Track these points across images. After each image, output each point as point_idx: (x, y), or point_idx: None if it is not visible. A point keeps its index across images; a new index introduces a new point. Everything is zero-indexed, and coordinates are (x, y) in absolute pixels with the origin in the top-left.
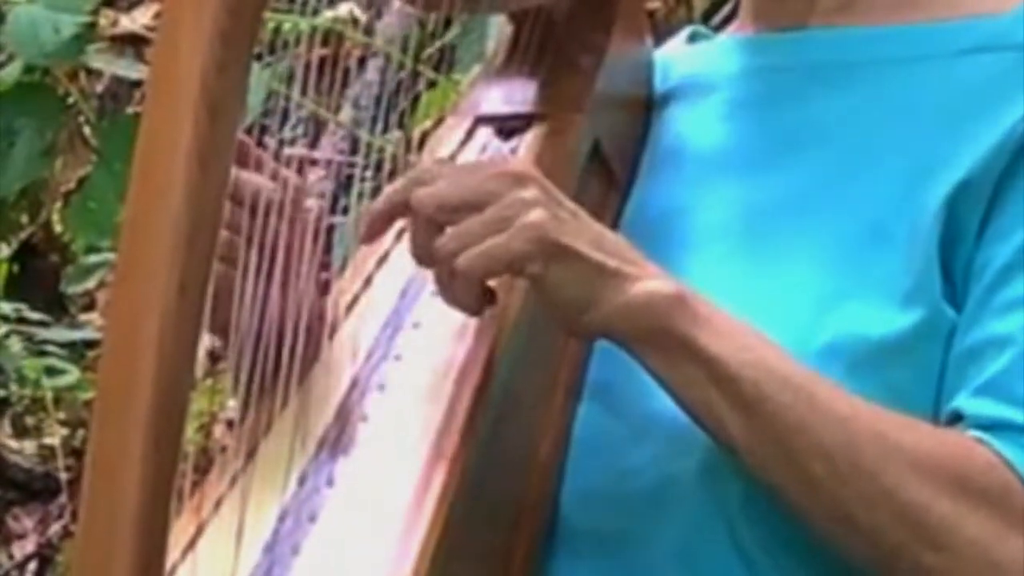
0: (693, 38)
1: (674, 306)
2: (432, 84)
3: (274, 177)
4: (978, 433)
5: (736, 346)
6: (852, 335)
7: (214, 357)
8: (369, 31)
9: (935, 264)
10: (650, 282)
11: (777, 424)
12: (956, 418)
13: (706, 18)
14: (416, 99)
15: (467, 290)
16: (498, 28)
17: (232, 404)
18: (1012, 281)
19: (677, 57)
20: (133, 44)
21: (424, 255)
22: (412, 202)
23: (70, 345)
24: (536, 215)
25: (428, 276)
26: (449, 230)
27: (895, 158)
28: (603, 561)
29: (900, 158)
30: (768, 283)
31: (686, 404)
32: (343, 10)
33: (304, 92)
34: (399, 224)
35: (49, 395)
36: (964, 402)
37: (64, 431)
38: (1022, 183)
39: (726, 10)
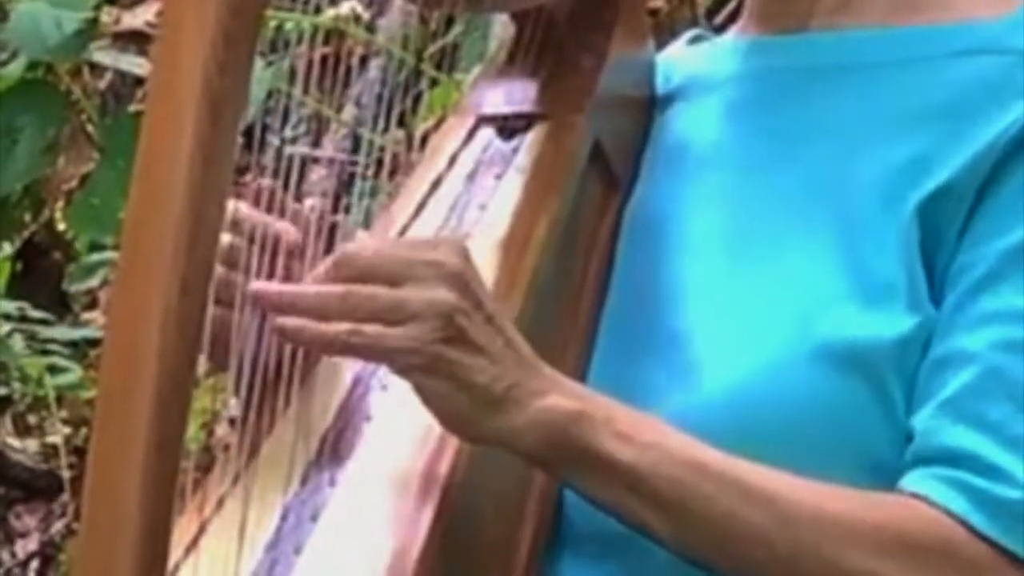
0: (695, 41)
1: (572, 419)
2: (435, 83)
3: (295, 219)
4: (916, 480)
5: (643, 447)
6: (845, 335)
7: None
8: (371, 29)
9: (920, 268)
10: (545, 398)
11: (706, 517)
12: (912, 436)
13: (709, 17)
14: (418, 98)
15: (333, 344)
16: (500, 28)
17: (234, 403)
18: (985, 294)
19: (679, 58)
20: (136, 41)
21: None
22: (338, 255)
23: (73, 344)
24: (434, 323)
25: None
26: (353, 289)
27: (885, 159)
28: (606, 562)
29: (890, 159)
30: (764, 284)
31: (608, 512)
32: (345, 8)
33: (306, 91)
34: (399, 223)
35: (52, 393)
36: (921, 421)
37: (66, 430)
38: (1005, 191)
39: (729, 9)
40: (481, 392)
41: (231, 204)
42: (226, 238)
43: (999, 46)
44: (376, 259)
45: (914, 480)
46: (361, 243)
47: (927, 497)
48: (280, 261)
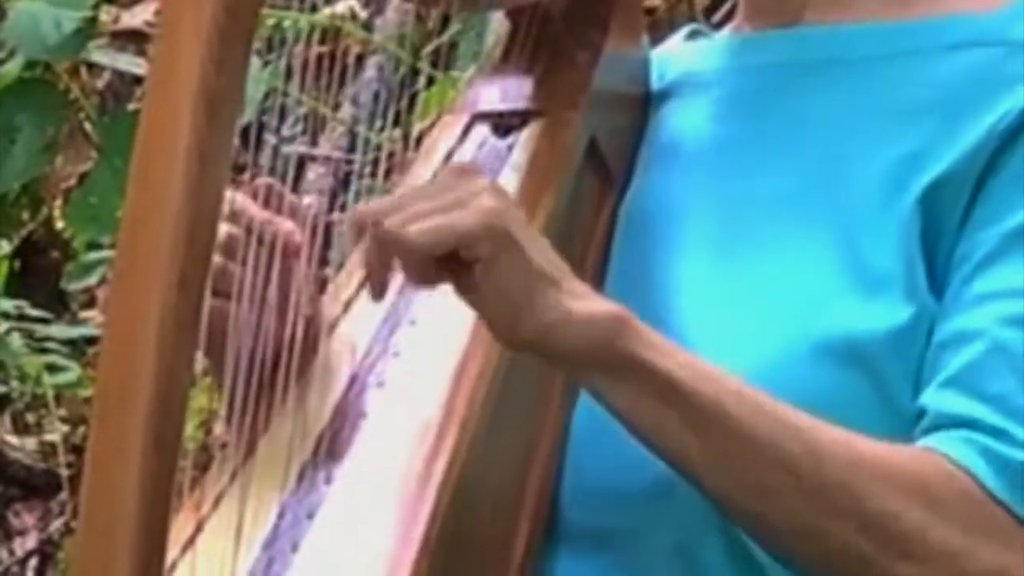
0: (692, 36)
1: (617, 324)
2: (431, 81)
3: (293, 214)
4: (932, 441)
5: (683, 363)
6: (845, 330)
7: None
8: (368, 28)
9: (919, 259)
10: (591, 301)
11: (737, 438)
12: (921, 414)
13: (707, 15)
14: (415, 96)
15: (413, 263)
16: (496, 25)
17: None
18: (986, 274)
19: (674, 54)
20: (134, 40)
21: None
22: (359, 214)
23: (71, 342)
24: (490, 200)
25: None
26: (396, 215)
27: (882, 152)
28: (602, 556)
29: (887, 152)
30: (760, 280)
31: (637, 427)
32: (342, 7)
33: (303, 89)
34: None
35: (50, 392)
36: (928, 397)
37: (65, 428)
38: (1004, 178)
39: (727, 7)
40: (540, 275)
41: (230, 195)
42: (225, 228)
43: (991, 38)
44: (407, 193)
45: (929, 440)
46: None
47: (945, 453)
48: (278, 256)
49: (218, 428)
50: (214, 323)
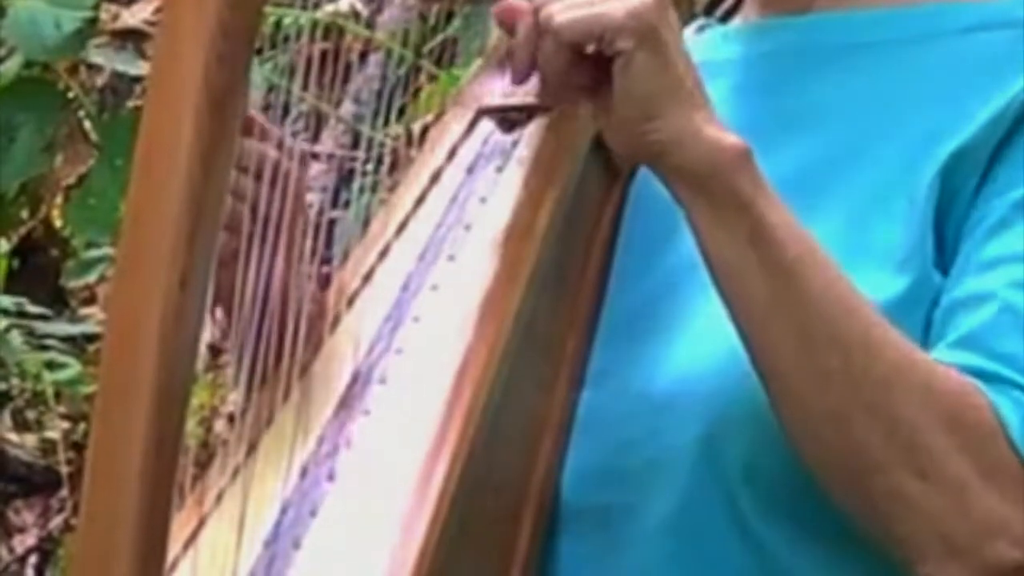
0: (700, 31)
1: (740, 159)
2: (433, 78)
3: (279, 147)
4: (971, 378)
5: (786, 218)
6: None
7: (215, 351)
8: (370, 25)
9: (929, 232)
10: (719, 128)
11: (806, 304)
12: None
13: (709, 10)
14: (417, 93)
15: (555, 55)
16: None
17: (233, 398)
18: (998, 238)
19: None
20: (134, 39)
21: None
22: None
23: (70, 339)
24: (639, 6)
25: (428, 270)
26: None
27: (896, 136)
28: (601, 536)
29: (901, 135)
30: None
31: (715, 261)
32: (344, 4)
33: (305, 86)
34: (398, 220)
35: (50, 389)
36: (940, 354)
37: (65, 425)
38: (1017, 152)
39: (729, 2)
40: (679, 82)
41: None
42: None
43: (1004, 20)
44: None
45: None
46: None
47: (983, 390)
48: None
49: (219, 425)
50: (224, 258)
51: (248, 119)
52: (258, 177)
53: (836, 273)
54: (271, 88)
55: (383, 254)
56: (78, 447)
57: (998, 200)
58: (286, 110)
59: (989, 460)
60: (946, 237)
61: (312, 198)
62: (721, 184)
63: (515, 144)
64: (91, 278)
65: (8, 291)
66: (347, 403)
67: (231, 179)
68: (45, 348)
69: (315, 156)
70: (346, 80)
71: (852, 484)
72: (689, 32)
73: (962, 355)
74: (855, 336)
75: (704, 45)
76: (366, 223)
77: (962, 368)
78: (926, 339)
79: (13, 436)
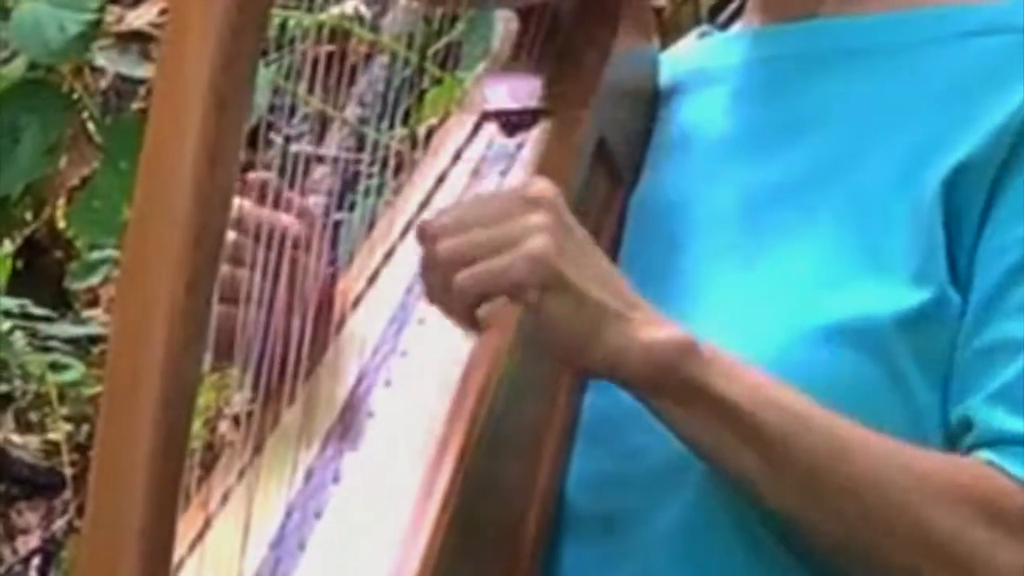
0: (702, 37)
1: (682, 350)
2: (438, 81)
3: (300, 214)
4: (990, 455)
5: (749, 388)
6: (857, 316)
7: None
8: (375, 28)
9: (940, 246)
10: (655, 328)
11: (802, 466)
12: (967, 425)
13: (712, 16)
14: (422, 96)
15: (461, 306)
16: (504, 24)
17: (237, 400)
18: (1020, 281)
19: (685, 53)
20: (138, 41)
21: (428, 266)
22: (423, 225)
23: (74, 341)
24: (541, 241)
25: None
26: (450, 241)
27: (898, 140)
28: (606, 542)
29: (903, 140)
30: (771, 270)
31: (701, 451)
32: (349, 7)
33: (310, 89)
34: (404, 220)
35: (53, 391)
36: (976, 410)
37: (68, 427)
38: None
39: (732, 8)
40: (598, 309)
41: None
42: (230, 235)
43: (1006, 25)
44: (459, 213)
45: (985, 454)
46: (439, 218)
47: (1003, 467)
48: (286, 255)
49: (223, 427)
50: (222, 328)
51: (263, 184)
52: (280, 249)
53: (817, 420)
54: (276, 90)
55: (388, 256)
56: (81, 449)
57: (1016, 232)
58: (291, 112)
59: None
60: (958, 255)
61: (317, 200)
62: (673, 382)
63: (519, 147)
64: (95, 280)
65: (12, 293)
66: (352, 405)
67: (244, 250)
68: (48, 350)
69: (320, 159)
70: (351, 83)
71: None
72: (691, 39)
73: (994, 415)
74: (860, 476)
75: (703, 51)
76: (371, 225)
77: (992, 432)
78: (951, 359)
79: (16, 438)
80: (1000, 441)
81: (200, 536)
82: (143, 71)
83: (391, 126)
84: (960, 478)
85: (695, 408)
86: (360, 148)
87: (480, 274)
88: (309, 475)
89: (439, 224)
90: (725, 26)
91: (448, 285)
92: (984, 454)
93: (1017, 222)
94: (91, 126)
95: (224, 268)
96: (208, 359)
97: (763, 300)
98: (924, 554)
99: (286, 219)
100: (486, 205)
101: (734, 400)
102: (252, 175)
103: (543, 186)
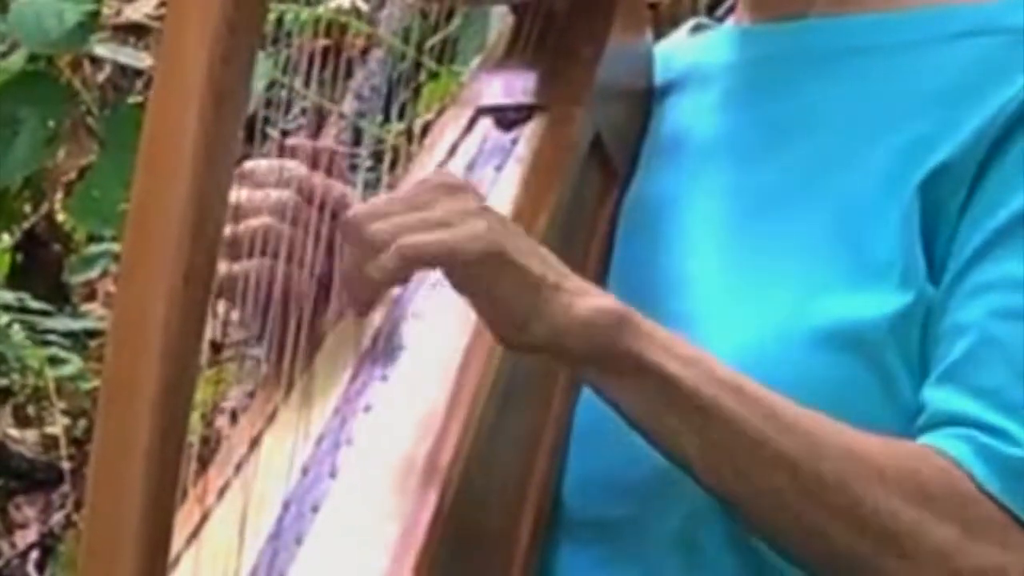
0: (696, 30)
1: (620, 322)
2: (434, 75)
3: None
4: (932, 438)
5: (686, 360)
6: (845, 319)
7: (217, 347)
8: (371, 21)
9: (918, 246)
10: (593, 299)
11: (738, 437)
12: (921, 408)
13: (710, 10)
14: (418, 90)
15: (383, 276)
16: (499, 19)
17: (235, 394)
18: (980, 265)
19: (679, 48)
20: (136, 33)
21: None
22: (347, 217)
23: (72, 335)
24: (480, 223)
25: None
26: (382, 223)
27: (886, 142)
28: (603, 548)
29: (891, 141)
30: (761, 269)
31: (638, 422)
32: (345, 1)
33: (306, 83)
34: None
35: (51, 384)
36: (927, 391)
37: (66, 420)
38: (1003, 167)
39: (730, 2)
40: (536, 284)
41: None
42: (276, 194)
43: (997, 26)
44: (384, 201)
45: (927, 438)
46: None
47: (941, 449)
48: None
49: (220, 420)
50: (259, 281)
51: (324, 153)
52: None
53: (754, 394)
54: (273, 84)
55: None
56: (79, 443)
57: (982, 223)
58: (288, 106)
59: (968, 517)
60: (935, 254)
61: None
62: (611, 353)
63: (514, 143)
64: (93, 273)
65: (10, 286)
66: (349, 399)
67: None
68: (47, 343)
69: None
70: (347, 76)
71: (837, 572)
72: (683, 33)
73: (940, 395)
74: (793, 451)
75: (696, 48)
76: None
77: (939, 414)
78: (922, 357)
79: (14, 431)
80: (942, 422)
81: (197, 529)
82: (142, 63)
83: (387, 120)
84: (896, 457)
85: (631, 378)
86: (357, 142)
87: (425, 241)
88: (306, 469)
89: (365, 211)
90: (722, 20)
91: (365, 262)
92: (925, 437)
93: (985, 214)
94: (90, 118)
95: (267, 220)
96: (206, 354)
97: (752, 302)
98: (857, 532)
99: (339, 189)
100: (411, 193)
101: (668, 371)
102: (316, 144)
103: (458, 177)
